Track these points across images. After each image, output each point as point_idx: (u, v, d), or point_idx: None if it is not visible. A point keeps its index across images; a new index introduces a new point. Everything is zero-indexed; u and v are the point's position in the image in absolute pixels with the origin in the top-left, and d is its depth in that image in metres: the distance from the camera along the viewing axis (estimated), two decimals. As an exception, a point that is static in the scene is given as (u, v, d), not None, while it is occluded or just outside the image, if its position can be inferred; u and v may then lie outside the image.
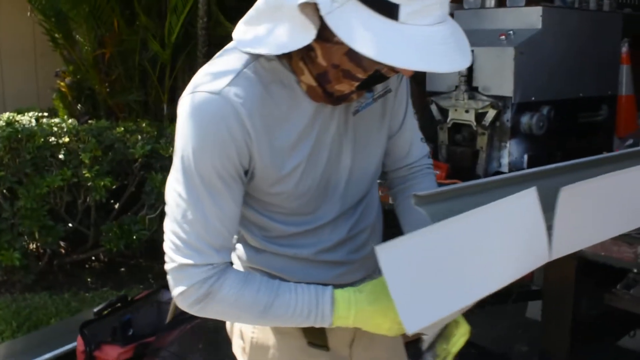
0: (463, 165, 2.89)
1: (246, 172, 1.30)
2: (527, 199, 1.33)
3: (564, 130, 2.96)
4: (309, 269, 1.46)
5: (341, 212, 1.47)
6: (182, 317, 3.25)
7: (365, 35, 1.09)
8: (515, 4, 2.82)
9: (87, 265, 4.92)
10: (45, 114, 4.75)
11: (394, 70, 1.22)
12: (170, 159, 4.38)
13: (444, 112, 2.90)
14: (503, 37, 2.73)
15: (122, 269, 4.89)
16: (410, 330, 1.15)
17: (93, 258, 4.93)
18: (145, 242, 4.55)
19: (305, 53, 1.25)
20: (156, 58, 4.89)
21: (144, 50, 4.90)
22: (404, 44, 1.09)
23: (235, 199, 1.30)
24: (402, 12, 1.09)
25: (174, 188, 1.28)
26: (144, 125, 4.57)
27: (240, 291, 1.30)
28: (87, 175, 4.14)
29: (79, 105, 5.24)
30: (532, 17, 2.75)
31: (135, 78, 5.04)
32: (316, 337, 1.48)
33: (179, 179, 1.27)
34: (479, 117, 2.79)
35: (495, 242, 1.29)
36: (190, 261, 1.27)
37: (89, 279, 4.73)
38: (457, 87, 2.81)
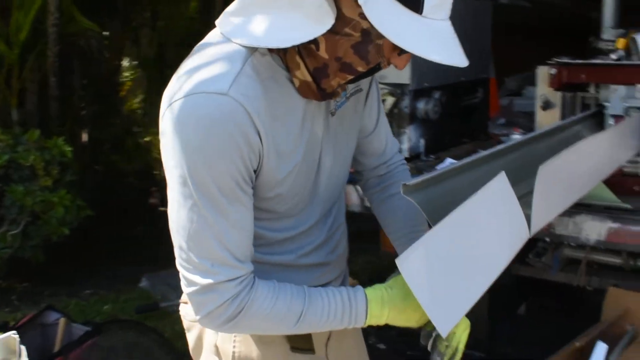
0: (363, 153, 2.93)
1: (255, 175, 1.22)
2: (500, 185, 1.38)
3: (451, 113, 3.09)
4: (289, 273, 1.40)
5: (321, 215, 1.43)
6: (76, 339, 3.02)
7: (397, 27, 1.08)
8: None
9: None
10: None
11: (389, 63, 1.21)
12: (31, 169, 4.09)
13: (341, 101, 2.91)
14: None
15: (-21, 293, 4.45)
16: (445, 332, 1.16)
17: (-58, 283, 4.44)
18: (6, 261, 4.17)
19: (304, 46, 1.18)
20: (2, 59, 4.46)
21: (-13, 50, 4.45)
22: (431, 37, 1.10)
23: (250, 204, 1.22)
24: (426, 6, 1.10)
25: (182, 204, 1.16)
26: (-5, 133, 4.16)
27: (273, 303, 1.23)
28: (-64, 192, 3.70)
29: None
30: (421, 6, 2.83)
31: (-22, 82, 4.57)
32: (301, 342, 1.42)
33: (188, 193, 1.15)
34: (377, 105, 2.83)
35: (487, 230, 1.34)
36: (214, 280, 1.17)
37: (-59, 307, 4.24)
38: (353, 76, 2.84)
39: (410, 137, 2.86)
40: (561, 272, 2.48)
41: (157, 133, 4.64)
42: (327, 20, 1.11)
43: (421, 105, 2.86)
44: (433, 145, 2.99)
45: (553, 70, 2.46)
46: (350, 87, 1.39)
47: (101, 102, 5.50)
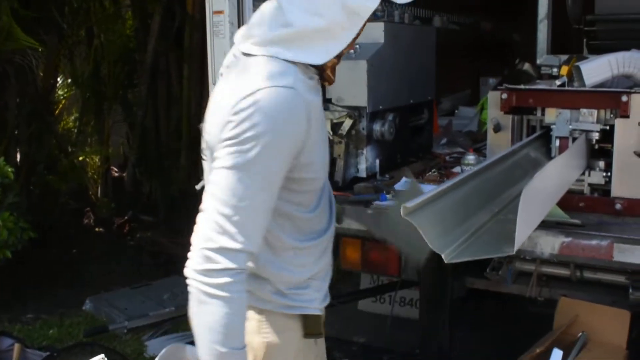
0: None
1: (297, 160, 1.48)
2: None
3: (402, 134, 3.23)
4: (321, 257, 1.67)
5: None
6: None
7: None
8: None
9: None
10: None
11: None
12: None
13: (300, 123, 3.00)
14: (352, 51, 2.90)
15: None
16: None
17: None
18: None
19: None
20: None
21: None
22: None
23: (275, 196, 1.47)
24: None
25: (235, 174, 1.38)
26: None
27: (236, 312, 1.41)
28: None
29: None
30: (376, 32, 2.96)
31: None
32: (315, 328, 1.66)
33: (245, 167, 1.38)
34: (335, 126, 2.93)
35: None
36: (238, 246, 1.38)
37: None
38: (312, 99, 2.93)
39: (367, 157, 2.97)
40: (514, 284, 2.63)
41: (91, 152, 4.64)
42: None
43: (377, 126, 2.98)
44: (387, 165, 3.12)
45: (504, 95, 2.62)
46: None
47: (36, 121, 5.37)
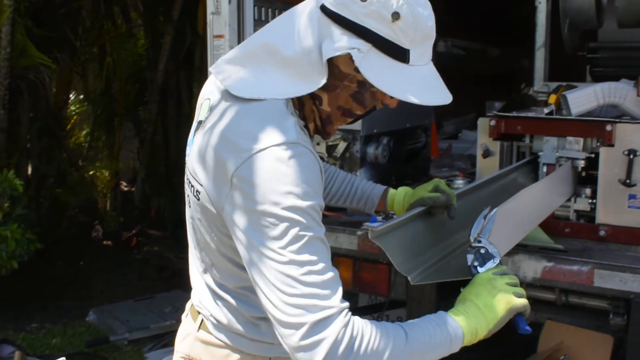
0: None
1: None
2: None
3: (397, 157, 3.30)
4: None
5: None
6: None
7: (390, 80, 1.27)
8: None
9: None
10: None
11: (382, 104, 1.41)
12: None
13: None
14: (348, 75, 2.99)
15: None
16: None
17: None
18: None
19: (312, 101, 1.38)
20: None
21: None
22: (419, 84, 1.30)
23: None
24: (412, 56, 1.28)
25: (275, 249, 1.21)
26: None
27: (377, 331, 1.24)
28: None
29: None
30: (372, 57, 3.04)
31: None
32: None
33: (280, 235, 1.21)
34: (330, 149, 3.01)
35: None
36: (326, 313, 1.20)
37: None
38: (308, 121, 3.01)
39: (361, 179, 3.04)
40: (500, 307, 2.67)
41: (101, 167, 4.75)
42: (319, 80, 1.29)
43: (371, 149, 3.05)
44: (381, 188, 3.18)
45: (492, 122, 2.69)
46: None
47: (47, 135, 5.51)
